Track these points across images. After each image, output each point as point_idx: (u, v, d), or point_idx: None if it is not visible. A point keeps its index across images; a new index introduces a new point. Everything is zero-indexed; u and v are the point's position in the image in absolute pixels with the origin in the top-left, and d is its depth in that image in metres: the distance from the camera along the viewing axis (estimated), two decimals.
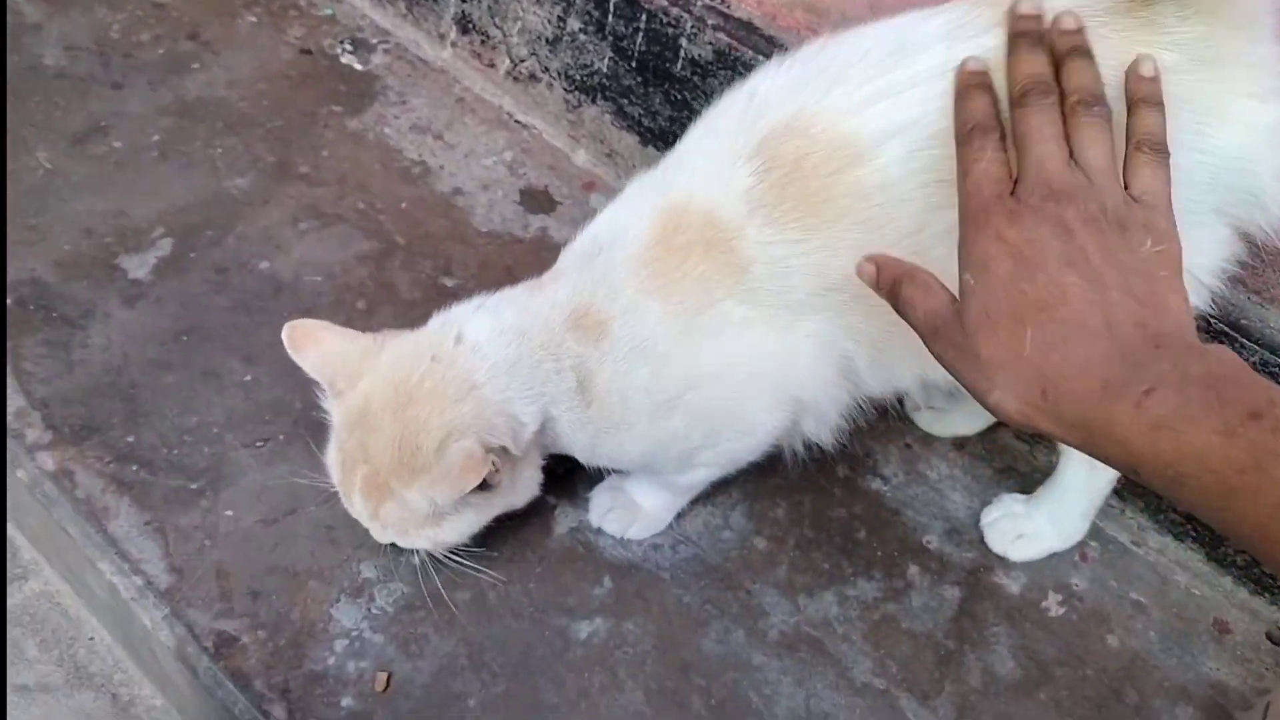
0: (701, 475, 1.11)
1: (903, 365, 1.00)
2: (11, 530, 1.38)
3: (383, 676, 1.05)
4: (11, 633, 1.30)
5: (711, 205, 0.93)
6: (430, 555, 1.05)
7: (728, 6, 1.36)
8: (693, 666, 1.09)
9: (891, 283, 0.77)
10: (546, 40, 1.56)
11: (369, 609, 1.10)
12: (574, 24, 1.51)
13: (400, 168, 1.55)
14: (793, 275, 0.92)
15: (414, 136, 1.60)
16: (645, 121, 1.50)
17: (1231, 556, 1.21)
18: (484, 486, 0.95)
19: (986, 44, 0.83)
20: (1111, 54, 0.82)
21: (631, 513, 1.17)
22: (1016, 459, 1.31)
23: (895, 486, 1.26)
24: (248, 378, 1.26)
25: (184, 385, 1.25)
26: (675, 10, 1.38)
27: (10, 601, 1.33)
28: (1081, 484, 1.15)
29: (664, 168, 1.01)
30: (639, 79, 1.47)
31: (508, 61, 1.63)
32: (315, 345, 1.00)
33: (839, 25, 1.07)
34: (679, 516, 1.19)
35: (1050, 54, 0.78)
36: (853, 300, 0.92)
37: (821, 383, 1.00)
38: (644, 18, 1.42)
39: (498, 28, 1.61)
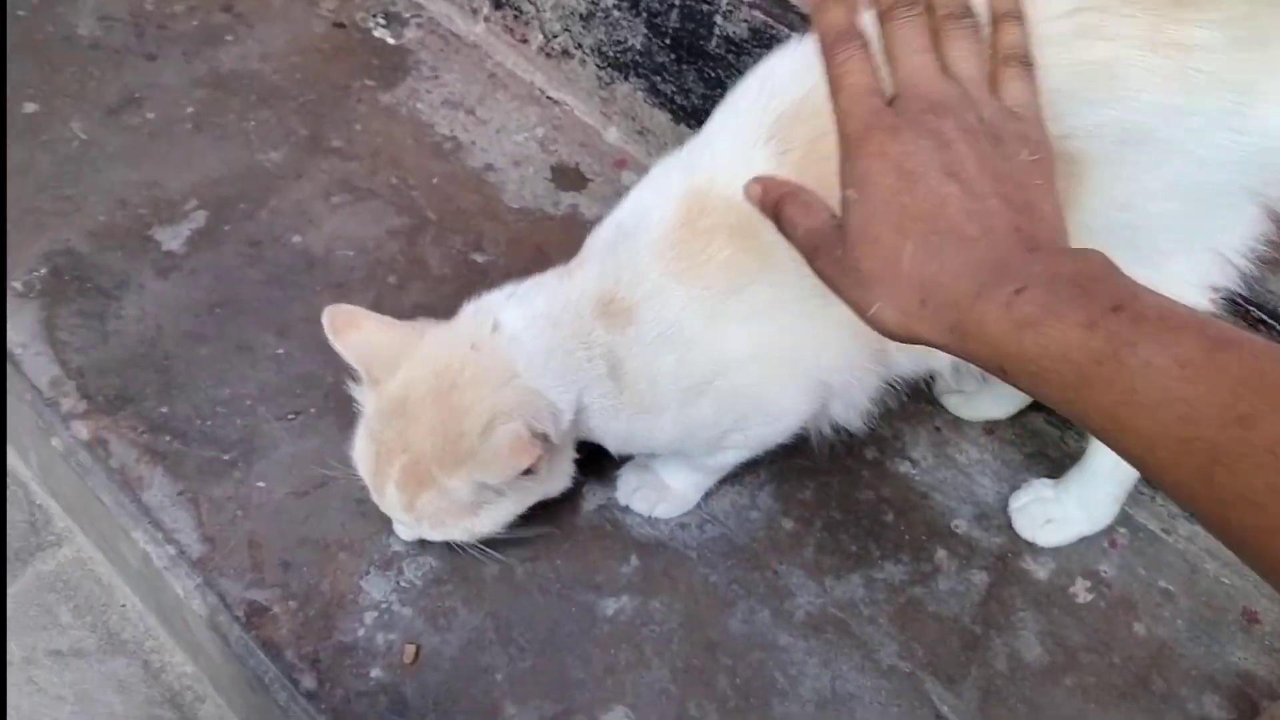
0: (730, 457, 1.11)
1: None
2: (45, 497, 1.39)
3: (411, 649, 1.06)
4: (45, 598, 1.32)
5: (734, 189, 0.92)
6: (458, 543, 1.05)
7: None
8: (719, 645, 1.10)
9: (774, 203, 0.78)
10: (580, 16, 1.55)
11: (398, 582, 1.11)
12: (608, 0, 1.50)
13: (432, 143, 1.55)
14: None
15: (446, 111, 1.59)
16: (678, 99, 1.49)
17: None
18: (527, 472, 0.95)
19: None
20: (1143, 32, 0.81)
21: (659, 492, 1.17)
22: (1047, 444, 1.30)
23: (924, 470, 1.26)
24: (280, 351, 1.27)
25: (217, 357, 1.26)
26: None
27: (44, 568, 1.35)
28: (1110, 468, 1.14)
29: (688, 150, 1.00)
30: (672, 56, 1.47)
31: (540, 37, 1.63)
32: (355, 331, 1.00)
33: None
34: (706, 496, 1.20)
35: None
36: None
37: (851, 367, 1.00)
38: None
39: (531, 3, 1.61)
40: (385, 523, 1.14)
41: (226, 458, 1.18)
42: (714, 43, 1.40)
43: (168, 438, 1.19)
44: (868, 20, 0.75)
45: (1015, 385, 0.66)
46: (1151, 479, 0.62)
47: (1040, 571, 1.19)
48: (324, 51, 1.66)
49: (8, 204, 1.37)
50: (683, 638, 1.10)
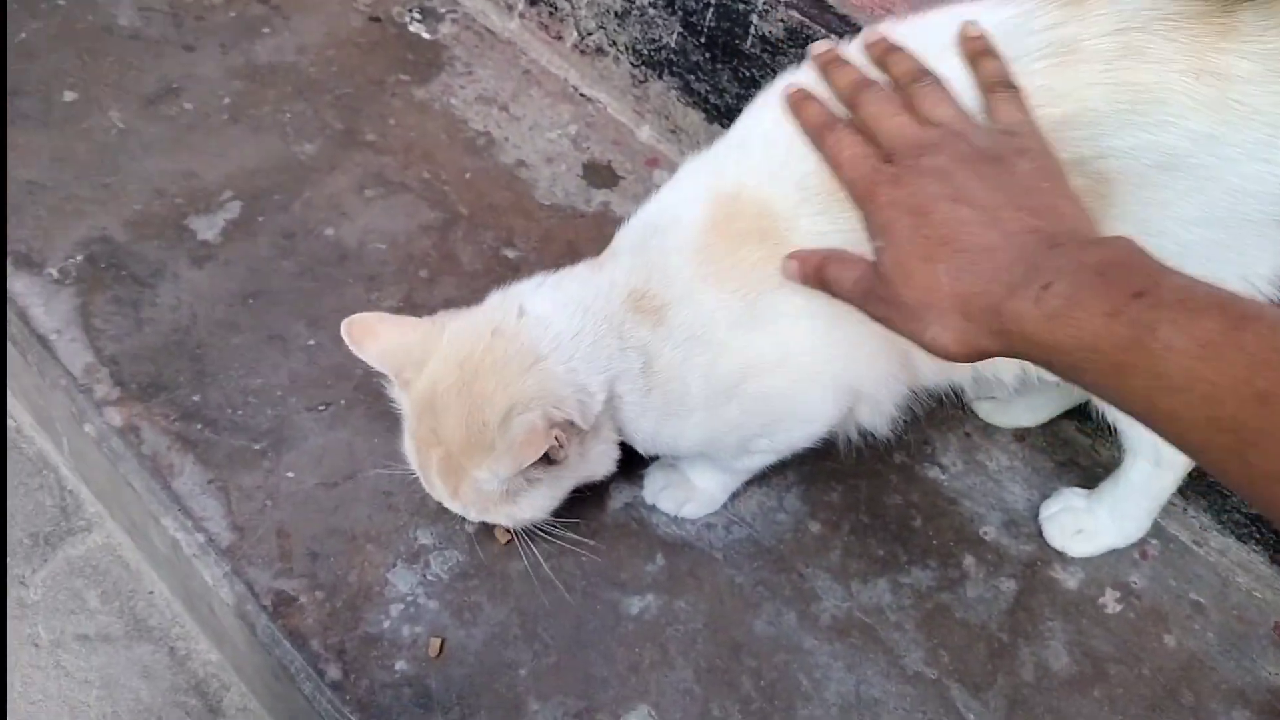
0: (757, 461, 1.11)
1: None
2: (76, 483, 1.41)
3: (436, 642, 1.06)
4: (73, 583, 1.34)
5: (764, 193, 0.92)
6: (524, 530, 1.05)
7: None
8: (743, 647, 1.09)
9: (815, 269, 0.85)
10: (615, 13, 1.55)
11: (424, 575, 1.11)
12: None
13: (465, 138, 1.55)
14: None
15: (479, 107, 1.60)
16: (712, 98, 1.49)
17: None
18: (549, 461, 0.95)
19: (1051, 39, 0.83)
20: (1187, 58, 0.81)
21: (686, 491, 1.17)
22: (1078, 452, 1.29)
23: (953, 475, 1.25)
24: (311, 342, 1.28)
25: (249, 347, 1.27)
26: None
27: (73, 552, 1.36)
28: (1145, 482, 1.13)
29: (717, 151, 1.00)
30: (707, 55, 1.46)
31: (575, 34, 1.63)
32: (375, 340, 1.00)
33: (915, 4, 1.06)
34: (733, 497, 1.19)
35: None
36: None
37: (880, 373, 0.99)
38: None
39: (566, 0, 1.61)
40: (413, 515, 1.15)
41: (257, 447, 1.18)
42: (749, 42, 1.40)
43: (199, 426, 1.19)
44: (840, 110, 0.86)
45: (1064, 379, 0.69)
46: (1195, 461, 0.63)
47: (1069, 581, 1.18)
48: (360, 45, 1.67)
49: (47, 191, 1.38)
50: (707, 638, 1.10)
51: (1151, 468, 1.11)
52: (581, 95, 1.64)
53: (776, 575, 1.15)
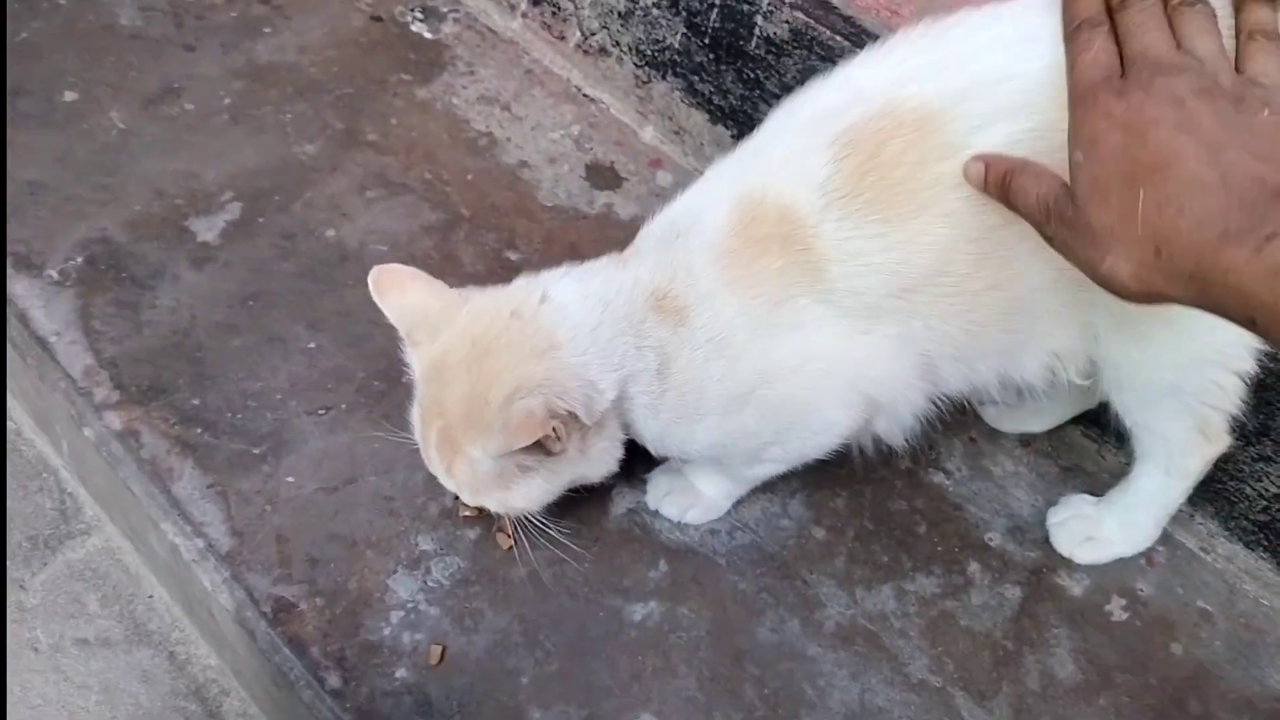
0: (767, 470, 1.10)
1: (983, 362, 0.98)
2: (76, 486, 1.40)
3: (437, 650, 1.05)
4: (73, 587, 1.33)
5: (788, 198, 0.91)
6: (518, 522, 1.05)
7: None
8: (747, 655, 1.09)
9: (1002, 176, 0.78)
10: (618, 14, 1.54)
11: (425, 581, 1.10)
12: None
13: (467, 139, 1.54)
14: (871, 274, 0.90)
15: (482, 107, 1.59)
16: (716, 100, 1.48)
17: None
18: (545, 451, 0.95)
19: None
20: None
21: (690, 497, 1.16)
22: (1084, 458, 1.28)
23: (958, 481, 1.24)
24: (311, 345, 1.27)
25: (249, 350, 1.26)
26: None
27: (72, 556, 1.35)
28: (1157, 491, 1.12)
29: (742, 154, 0.99)
30: (711, 56, 1.45)
31: (578, 34, 1.62)
32: (399, 293, 0.99)
33: (922, 6, 1.05)
34: (737, 503, 1.18)
35: None
36: (932, 300, 0.90)
37: (898, 384, 0.98)
38: None
39: (569, 0, 1.60)
40: (414, 521, 1.14)
41: (256, 451, 1.18)
42: (754, 43, 1.39)
43: (199, 430, 1.19)
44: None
45: (1265, 338, 0.65)
46: None
47: (1075, 588, 1.17)
48: (361, 45, 1.66)
49: (47, 191, 1.38)
50: (710, 645, 1.09)
51: (1164, 477, 1.10)
52: (584, 96, 1.63)
53: (780, 582, 1.14)
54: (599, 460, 1.02)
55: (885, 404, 1.00)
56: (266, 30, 1.65)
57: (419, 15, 1.72)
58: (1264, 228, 0.63)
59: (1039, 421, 1.27)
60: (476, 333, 0.94)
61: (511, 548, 1.12)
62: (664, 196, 1.45)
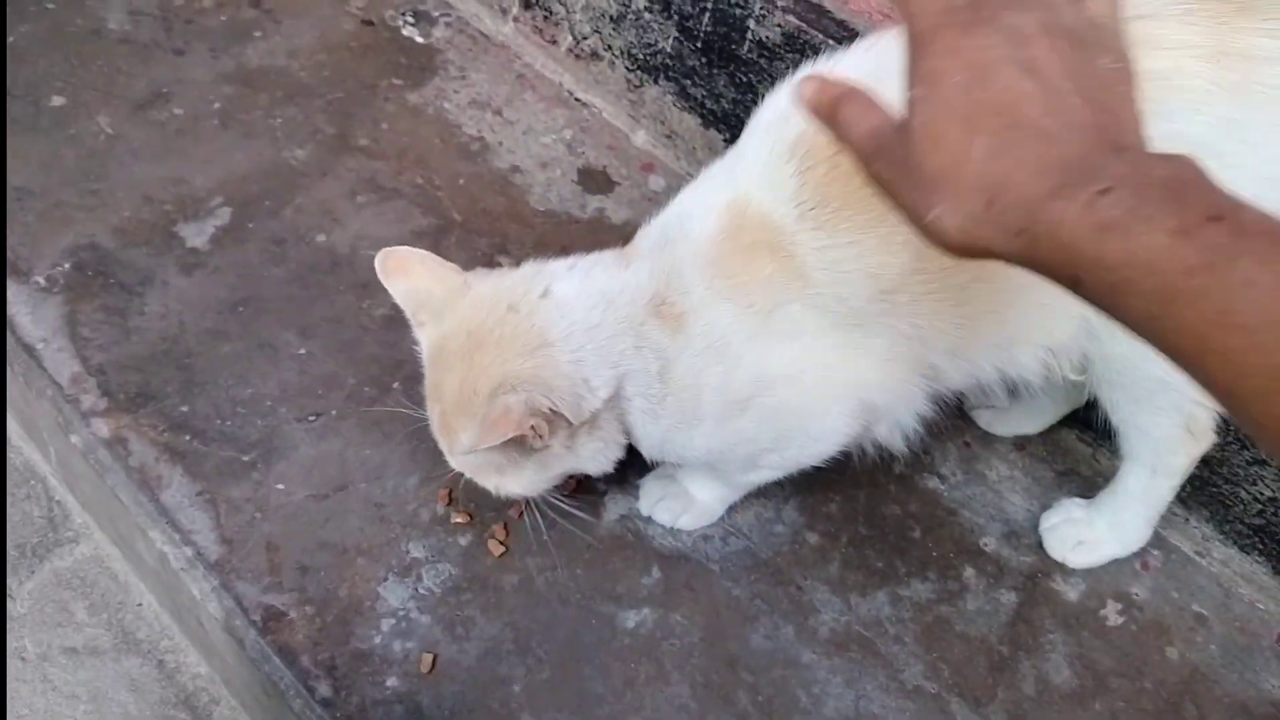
0: (763, 476, 1.09)
1: (981, 356, 0.97)
2: (64, 493, 1.39)
3: (428, 658, 1.05)
4: (61, 595, 1.31)
5: (767, 207, 0.90)
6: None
7: None
8: (740, 661, 1.08)
9: (830, 103, 0.73)
10: (610, 18, 1.54)
11: (416, 589, 1.09)
12: (639, 2, 1.48)
13: (459, 143, 1.53)
14: (852, 280, 0.89)
15: (473, 112, 1.58)
16: (708, 104, 1.47)
17: None
18: (525, 446, 0.95)
19: None
20: (1205, 41, 0.79)
21: (683, 503, 1.15)
22: (1079, 461, 1.27)
23: (953, 486, 1.24)
24: (302, 351, 1.26)
25: (239, 356, 1.25)
26: None
27: (60, 564, 1.34)
28: (1143, 490, 1.12)
29: (728, 159, 0.98)
30: (703, 60, 1.45)
31: (570, 38, 1.61)
32: (405, 277, 1.00)
33: None
34: (730, 508, 1.18)
35: None
36: (916, 299, 0.90)
37: (896, 387, 0.98)
38: None
39: (561, 3, 1.59)
40: (405, 528, 1.13)
41: (246, 459, 1.17)
42: (746, 47, 1.38)
43: (188, 437, 1.18)
44: None
45: (1087, 299, 0.61)
46: (1235, 412, 0.56)
47: (1070, 593, 1.16)
48: (352, 49, 1.65)
49: (34, 197, 1.37)
50: (704, 652, 1.08)
51: (1150, 475, 1.10)
52: (576, 100, 1.62)
53: (774, 588, 1.13)
54: (591, 459, 1.01)
55: (884, 408, 0.99)
56: (256, 34, 1.65)
57: (410, 19, 1.71)
58: (1098, 182, 0.59)
59: (1032, 423, 1.27)
60: (473, 324, 0.95)
61: (504, 554, 1.12)
62: (656, 201, 1.45)
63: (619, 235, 1.04)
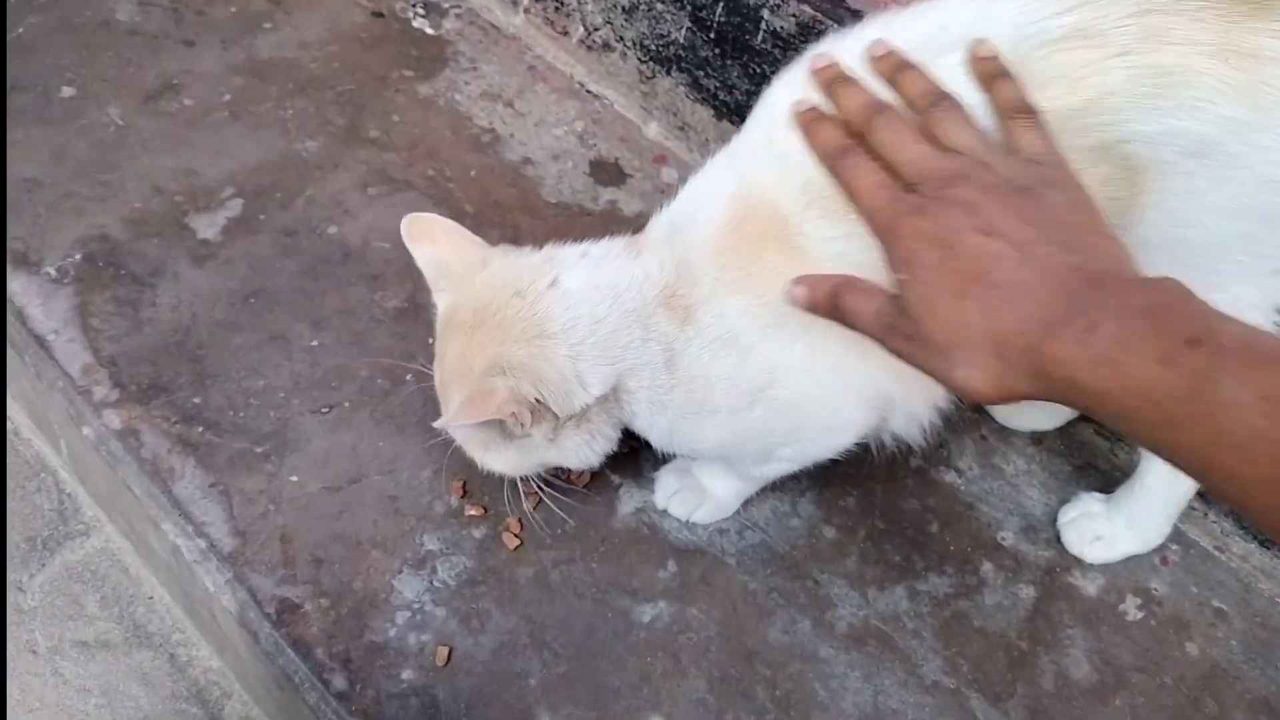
0: (778, 469, 1.07)
1: None
2: (74, 486, 1.38)
3: (443, 651, 1.04)
4: (72, 588, 1.31)
5: (773, 196, 0.89)
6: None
7: None
8: (757, 656, 1.07)
9: (828, 297, 0.79)
10: (622, 8, 1.53)
11: (431, 581, 1.08)
12: None
13: (470, 135, 1.52)
14: (859, 273, 0.88)
15: (484, 104, 1.57)
16: (721, 95, 1.47)
17: None
18: (506, 430, 0.96)
19: (1065, 23, 0.80)
20: (1214, 39, 0.78)
21: (698, 496, 1.14)
22: (1096, 456, 1.26)
23: (970, 480, 1.23)
24: (314, 343, 1.25)
25: (251, 348, 1.24)
26: None
27: (71, 557, 1.33)
28: (1163, 486, 1.10)
29: (735, 147, 0.97)
30: (717, 50, 1.44)
31: (581, 29, 1.60)
32: (429, 244, 1.01)
33: None
34: (746, 502, 1.17)
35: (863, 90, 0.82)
36: None
37: (912, 377, 0.96)
38: None
39: None
40: (419, 520, 1.12)
41: (259, 450, 1.16)
42: (760, 37, 1.37)
43: (200, 429, 1.17)
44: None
45: (1110, 426, 0.65)
46: (1246, 516, 0.59)
47: (1089, 587, 1.15)
48: (362, 41, 1.64)
49: (45, 188, 1.36)
50: (720, 647, 1.07)
51: (1170, 473, 1.08)
52: (588, 91, 1.62)
53: (791, 582, 1.12)
54: (574, 452, 1.01)
55: (898, 399, 0.97)
56: (267, 26, 1.64)
57: (420, 11, 1.70)
58: (1083, 317, 0.63)
59: (1050, 419, 1.26)
60: (481, 302, 0.96)
61: (519, 546, 1.11)
62: (669, 193, 1.43)
63: (631, 228, 1.02)
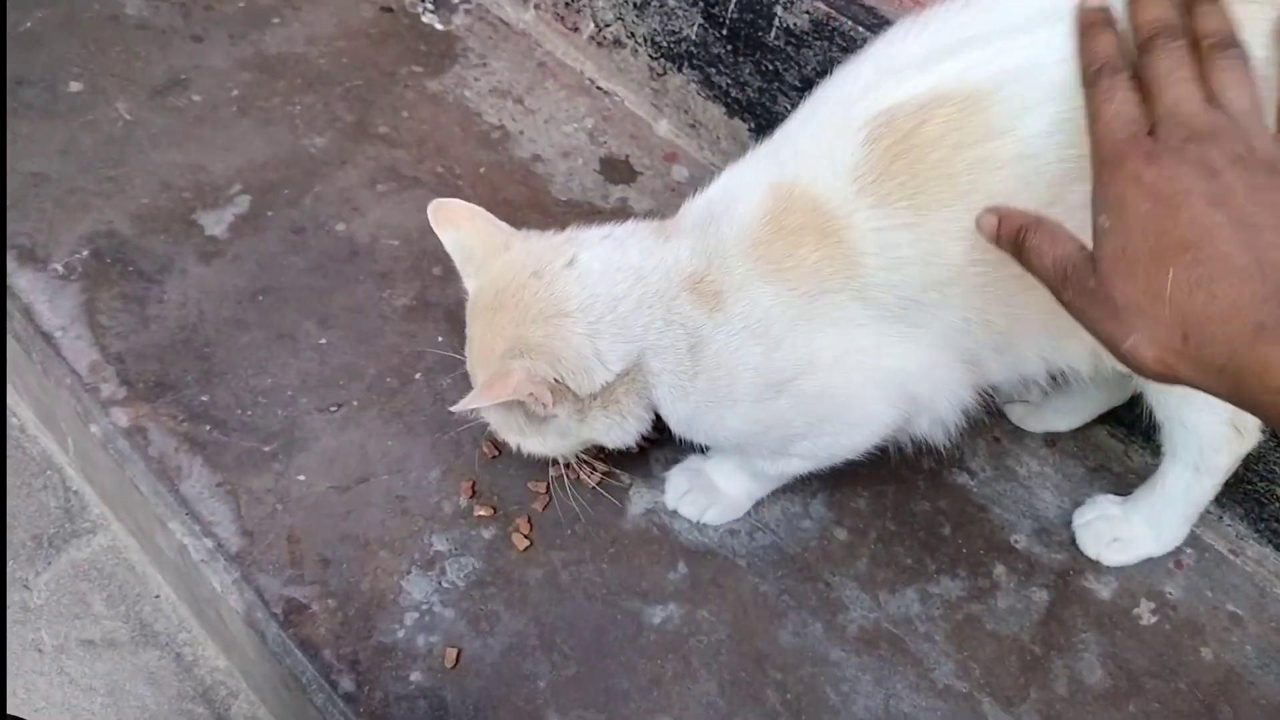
0: (794, 466, 1.07)
1: (1030, 351, 0.94)
2: (81, 484, 1.38)
3: (452, 652, 1.03)
4: (78, 587, 1.30)
5: (819, 188, 0.88)
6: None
7: None
8: (768, 658, 1.06)
9: (1015, 232, 0.74)
10: (633, 4, 1.51)
11: (440, 582, 1.08)
12: None
13: (479, 131, 1.51)
14: (905, 267, 0.87)
15: (494, 100, 1.56)
16: (733, 92, 1.45)
17: None
18: (530, 412, 0.96)
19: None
20: (1263, 14, 0.76)
21: (709, 496, 1.13)
22: (1110, 458, 1.25)
23: (983, 482, 1.22)
24: (322, 341, 1.24)
25: (259, 346, 1.23)
26: None
27: (78, 555, 1.33)
28: (1185, 489, 1.09)
29: (777, 139, 0.96)
30: (729, 47, 1.43)
31: (592, 25, 1.59)
32: (454, 229, 1.03)
33: None
34: (757, 503, 1.16)
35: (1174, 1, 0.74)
36: (970, 291, 0.87)
37: (941, 378, 0.95)
38: None
39: None
40: (428, 520, 1.11)
41: (267, 449, 1.15)
42: (773, 34, 1.36)
43: (207, 427, 1.16)
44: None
45: None
46: None
47: (1103, 591, 1.14)
48: (371, 36, 1.63)
49: (51, 184, 1.35)
50: (731, 649, 1.06)
51: (1193, 474, 1.07)
52: (598, 88, 1.60)
53: (802, 584, 1.11)
54: (605, 432, 1.01)
55: (925, 399, 0.96)
56: (275, 21, 1.63)
57: (429, 6, 1.69)
58: None
59: (1065, 420, 1.25)
60: (501, 284, 0.96)
61: (529, 547, 1.10)
62: (679, 191, 1.44)
63: (688, 199, 1.01)
